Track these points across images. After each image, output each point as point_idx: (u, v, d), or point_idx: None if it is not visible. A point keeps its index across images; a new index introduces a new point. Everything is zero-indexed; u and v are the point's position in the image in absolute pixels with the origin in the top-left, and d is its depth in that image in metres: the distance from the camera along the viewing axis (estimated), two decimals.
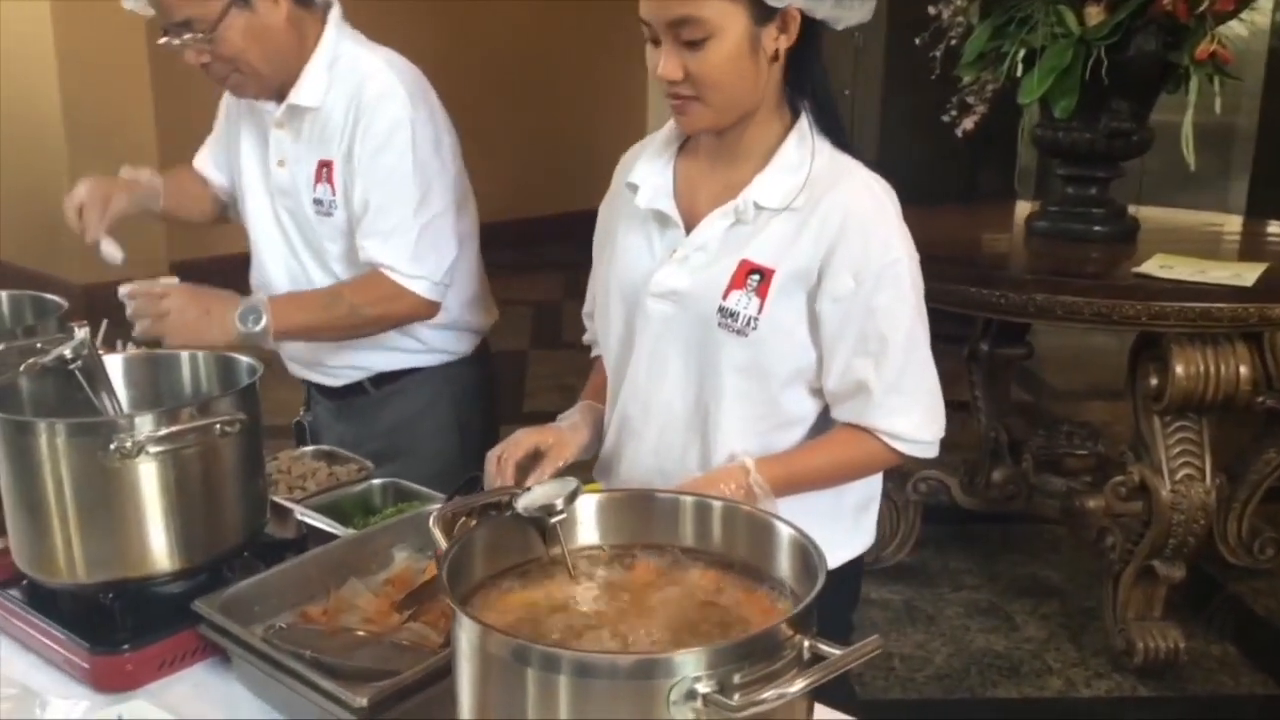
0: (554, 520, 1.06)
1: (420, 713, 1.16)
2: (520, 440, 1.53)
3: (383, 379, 2.08)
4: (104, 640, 1.31)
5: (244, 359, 1.49)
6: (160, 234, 5.71)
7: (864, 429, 1.48)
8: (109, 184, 1.96)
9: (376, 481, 1.68)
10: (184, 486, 1.34)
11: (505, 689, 0.89)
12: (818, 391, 1.51)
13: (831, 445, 1.51)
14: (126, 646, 1.30)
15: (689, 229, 1.50)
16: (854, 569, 1.65)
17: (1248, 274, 2.71)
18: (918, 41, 2.98)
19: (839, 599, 1.62)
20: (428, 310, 1.94)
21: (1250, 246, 3.34)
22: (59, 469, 1.30)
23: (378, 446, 1.86)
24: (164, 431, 1.29)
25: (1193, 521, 2.79)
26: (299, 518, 1.55)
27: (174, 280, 1.82)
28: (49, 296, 1.82)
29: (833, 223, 1.42)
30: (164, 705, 1.25)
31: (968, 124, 2.96)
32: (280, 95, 1.93)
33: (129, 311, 1.76)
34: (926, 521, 3.45)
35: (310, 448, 1.82)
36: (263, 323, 1.81)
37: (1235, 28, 2.76)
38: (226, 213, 2.20)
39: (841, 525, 1.59)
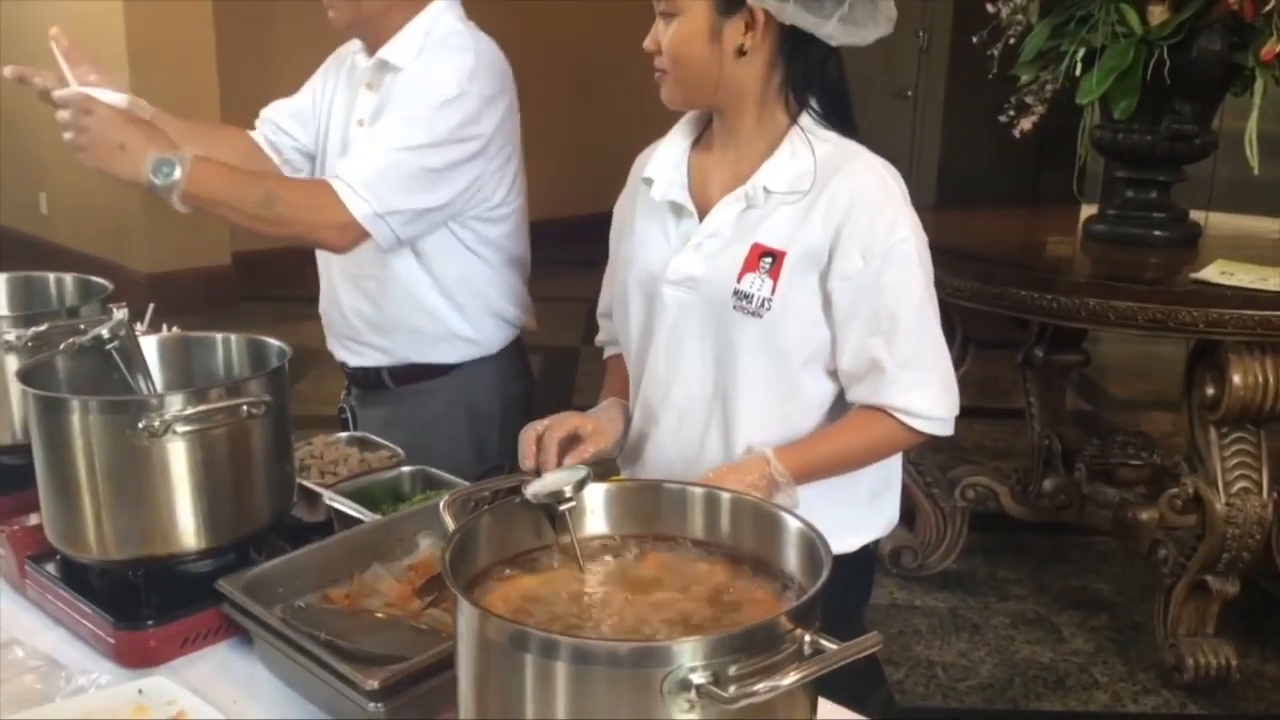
0: (563, 508, 1.06)
1: (432, 697, 1.16)
2: (565, 420, 1.54)
3: (401, 375, 2.07)
4: (129, 616, 1.33)
5: (274, 343, 1.50)
6: (224, 224, 5.82)
7: (879, 409, 1.49)
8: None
9: (406, 469, 1.68)
10: (211, 466, 1.35)
11: (503, 674, 0.89)
12: (834, 373, 1.53)
13: (848, 429, 1.52)
14: (151, 623, 1.32)
15: (702, 217, 1.54)
16: (869, 556, 1.65)
17: None
18: (975, 40, 2.94)
19: (852, 586, 1.63)
20: (351, 234, 1.82)
21: None
22: (90, 446, 1.32)
23: (401, 440, 1.85)
24: (191, 411, 1.31)
25: (1248, 536, 2.72)
26: (327, 502, 1.56)
27: (121, 98, 1.71)
28: (95, 279, 1.85)
29: (840, 204, 1.46)
30: (186, 682, 1.26)
31: (1025, 124, 2.91)
32: (374, 48, 1.95)
33: (59, 116, 1.67)
34: (974, 529, 3.40)
35: (344, 434, 1.83)
36: (174, 177, 1.68)
37: None
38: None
39: (857, 510, 1.60)
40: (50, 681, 1.27)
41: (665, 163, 1.60)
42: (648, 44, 1.50)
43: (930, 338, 1.50)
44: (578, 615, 0.99)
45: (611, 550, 1.08)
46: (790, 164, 1.50)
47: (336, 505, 1.55)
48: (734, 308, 1.49)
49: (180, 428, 1.31)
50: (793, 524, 1.02)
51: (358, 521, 1.51)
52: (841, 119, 1.54)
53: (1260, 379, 2.60)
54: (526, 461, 1.50)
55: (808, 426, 1.53)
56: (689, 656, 0.83)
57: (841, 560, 1.59)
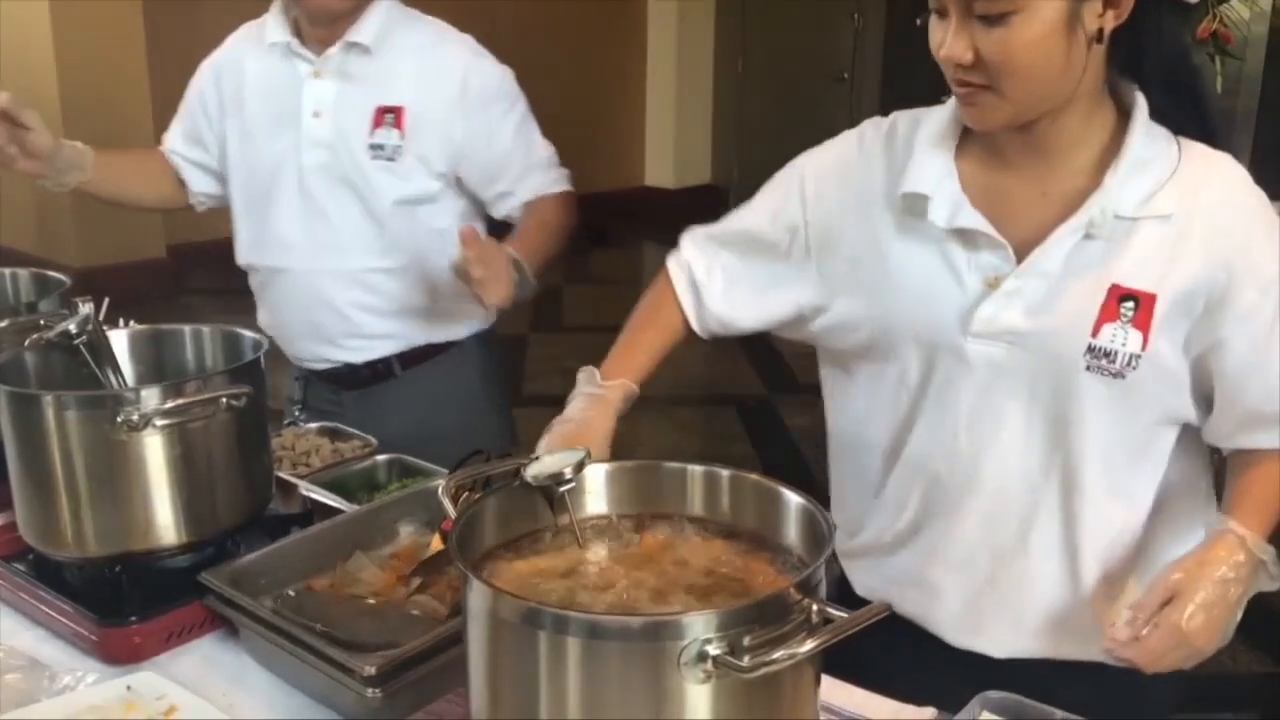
0: (562, 489, 1.07)
1: (428, 682, 1.17)
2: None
3: (409, 358, 2.06)
4: (112, 613, 1.31)
5: (249, 334, 1.49)
6: (157, 216, 5.71)
7: None
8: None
9: (380, 457, 1.68)
10: (190, 460, 1.34)
11: (516, 652, 0.90)
12: (1180, 423, 1.29)
13: (1275, 473, 1.27)
14: (134, 619, 1.31)
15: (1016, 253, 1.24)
16: None
17: None
18: (919, 23, 2.98)
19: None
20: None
21: None
22: (66, 442, 1.30)
23: (403, 432, 1.81)
24: (170, 405, 1.30)
25: None
26: (304, 493, 1.55)
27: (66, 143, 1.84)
28: (51, 274, 1.82)
29: (1222, 227, 1.20)
30: (172, 677, 1.25)
31: None
32: (326, 42, 1.95)
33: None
34: None
35: (314, 425, 1.82)
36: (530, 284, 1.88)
37: (1237, 8, 2.76)
38: (188, 197, 2.17)
39: None
40: (34, 681, 1.26)
41: (932, 172, 1.27)
42: (957, 55, 1.16)
43: None
44: (583, 595, 1.00)
45: (611, 530, 1.10)
46: (1142, 177, 1.20)
47: (314, 496, 1.54)
48: (1087, 368, 1.20)
49: (159, 422, 1.30)
50: (793, 499, 1.04)
51: (337, 512, 1.51)
52: (1193, 108, 1.24)
53: None
54: None
55: (1145, 491, 1.30)
56: (703, 629, 0.84)
57: None
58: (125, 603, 1.33)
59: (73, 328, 1.46)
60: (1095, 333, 1.19)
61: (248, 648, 1.31)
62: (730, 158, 8.15)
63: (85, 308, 1.49)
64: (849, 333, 1.36)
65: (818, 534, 0.97)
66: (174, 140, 2.14)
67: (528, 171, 2.03)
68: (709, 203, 7.96)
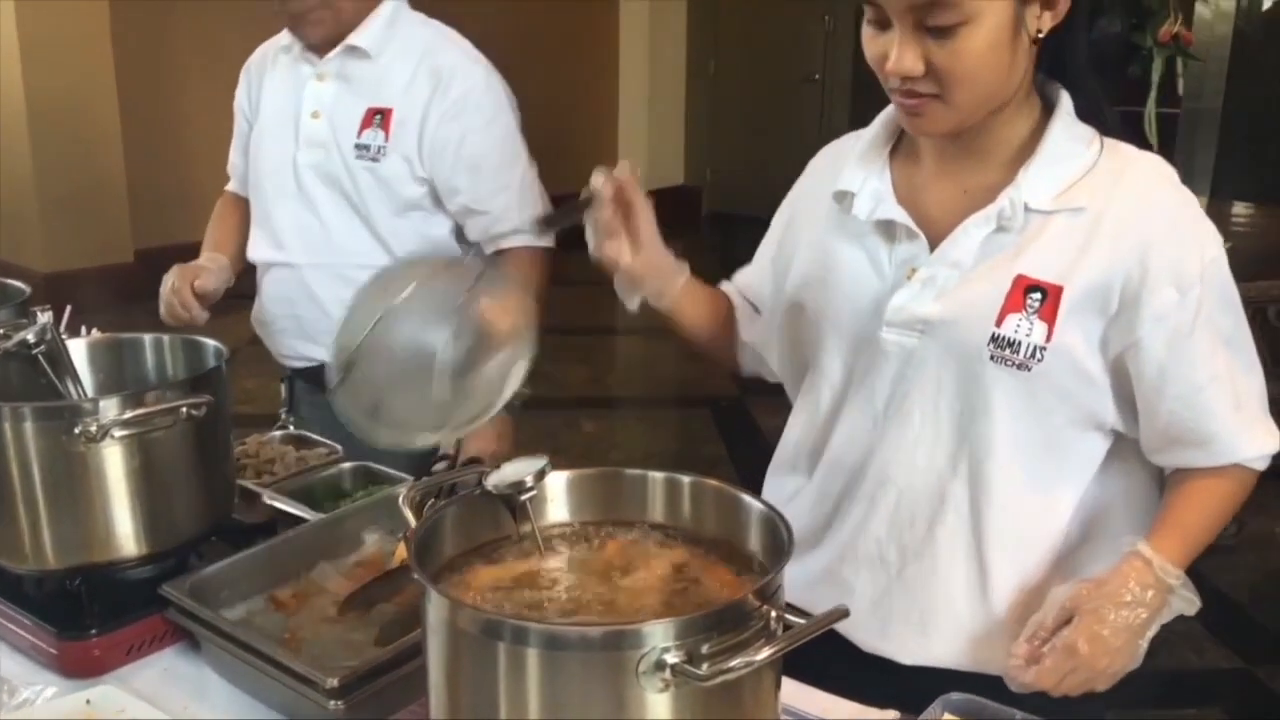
0: (524, 497, 1.06)
1: (390, 693, 1.16)
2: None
3: None
4: (71, 626, 1.30)
5: (210, 342, 1.48)
6: (125, 221, 5.67)
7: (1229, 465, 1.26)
8: (191, 269, 1.97)
9: (346, 465, 1.67)
10: (150, 470, 1.33)
11: (476, 663, 0.90)
12: (1105, 430, 1.27)
13: (1203, 494, 1.26)
14: (94, 632, 1.30)
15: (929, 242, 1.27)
16: None
17: None
18: None
19: None
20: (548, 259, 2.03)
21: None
22: (24, 453, 1.28)
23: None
24: (129, 415, 1.28)
25: None
26: (267, 502, 1.54)
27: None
28: (11, 282, 1.80)
29: (1135, 224, 1.19)
30: (133, 690, 1.24)
31: None
32: (330, 43, 1.99)
33: None
34: None
35: (278, 432, 1.81)
36: None
37: (1200, 10, 2.79)
38: None
39: None
40: None
41: (863, 174, 1.31)
42: (909, 67, 1.15)
43: (1253, 358, 1.26)
44: (545, 603, 1.00)
45: (573, 537, 1.09)
46: (1058, 171, 1.21)
47: (278, 505, 1.53)
48: (991, 358, 1.20)
49: (118, 432, 1.28)
50: (754, 505, 1.04)
51: (300, 520, 1.50)
52: (1095, 104, 1.25)
53: None
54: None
55: (1066, 499, 1.28)
56: (661, 637, 0.84)
57: None
58: (85, 615, 1.31)
59: (31, 337, 1.44)
60: (999, 322, 1.20)
61: (209, 660, 1.30)
62: (703, 159, 8.17)
63: (44, 317, 1.47)
64: (796, 337, 1.41)
65: (778, 541, 0.97)
66: (234, 169, 2.20)
67: (496, 193, 1.99)
68: (682, 204, 7.97)
